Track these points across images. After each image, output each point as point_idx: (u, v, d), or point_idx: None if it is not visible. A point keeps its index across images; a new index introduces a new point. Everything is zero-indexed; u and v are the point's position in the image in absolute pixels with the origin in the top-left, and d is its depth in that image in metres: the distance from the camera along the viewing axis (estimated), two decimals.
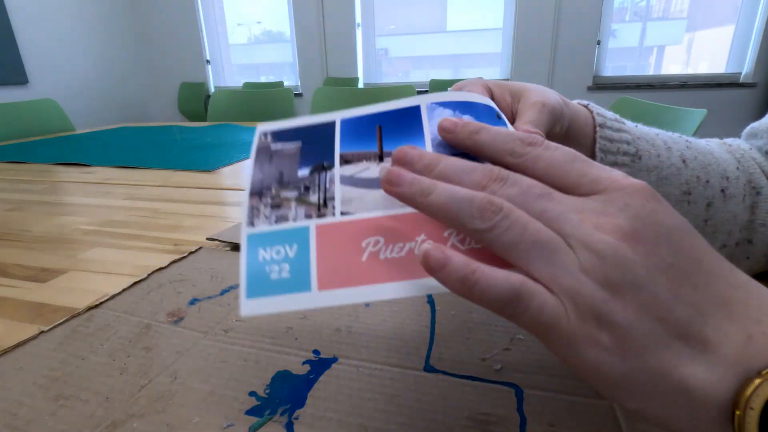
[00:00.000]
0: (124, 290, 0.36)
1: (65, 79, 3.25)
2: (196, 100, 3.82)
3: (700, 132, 0.84)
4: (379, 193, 0.19)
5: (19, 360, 0.28)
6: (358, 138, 0.22)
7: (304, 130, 0.23)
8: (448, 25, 3.39)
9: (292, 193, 0.21)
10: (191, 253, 0.44)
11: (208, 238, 0.46)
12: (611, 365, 0.15)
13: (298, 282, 0.18)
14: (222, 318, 0.32)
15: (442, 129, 0.19)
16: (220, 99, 1.78)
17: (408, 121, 0.21)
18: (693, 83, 2.96)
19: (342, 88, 1.73)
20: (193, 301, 0.34)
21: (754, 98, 2.88)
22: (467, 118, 0.20)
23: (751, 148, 0.37)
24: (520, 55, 3.17)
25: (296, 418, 0.22)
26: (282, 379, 0.25)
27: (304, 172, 0.22)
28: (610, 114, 0.33)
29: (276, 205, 0.21)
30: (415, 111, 0.21)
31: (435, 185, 0.17)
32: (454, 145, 0.19)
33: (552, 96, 0.27)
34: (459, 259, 0.15)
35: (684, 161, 0.33)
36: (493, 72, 3.35)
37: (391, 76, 3.62)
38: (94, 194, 0.69)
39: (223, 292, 0.35)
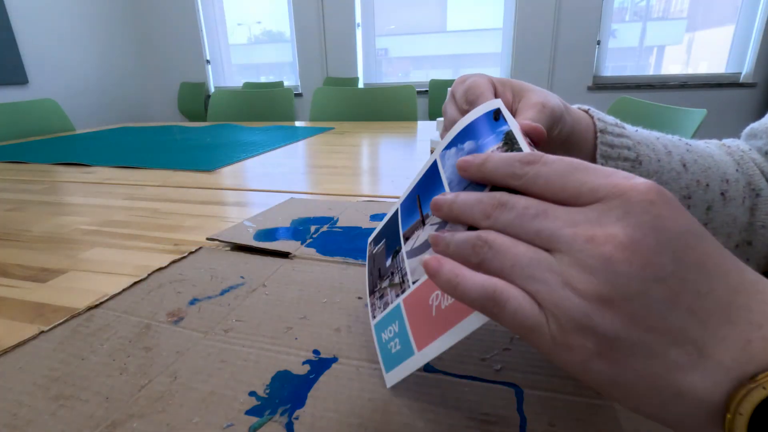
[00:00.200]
0: (124, 290, 0.36)
1: (65, 79, 3.25)
2: (196, 100, 3.82)
3: (700, 132, 0.84)
4: (429, 255, 0.22)
5: (19, 360, 0.28)
6: (409, 214, 0.26)
7: (386, 226, 0.29)
8: (448, 25, 3.39)
9: (386, 282, 0.27)
10: (191, 253, 0.44)
11: (208, 238, 0.46)
12: (599, 370, 0.15)
13: (406, 350, 0.23)
14: (222, 318, 0.32)
15: (459, 169, 0.21)
16: (220, 99, 1.78)
17: (432, 177, 0.25)
18: (693, 83, 2.96)
19: (342, 88, 1.73)
20: (193, 301, 0.34)
21: (754, 98, 2.88)
22: (469, 144, 0.23)
23: (750, 149, 0.37)
24: (520, 55, 3.17)
25: (296, 418, 0.22)
26: (282, 379, 0.25)
27: (388, 261, 0.27)
28: (610, 119, 0.33)
29: (381, 296, 0.27)
30: (434, 166, 0.25)
31: (452, 237, 0.19)
32: (471, 180, 0.21)
33: (553, 98, 0.27)
34: (448, 267, 0.18)
35: (684, 165, 0.33)
36: (493, 72, 3.34)
37: (391, 76, 3.62)
38: (94, 194, 0.69)
39: (223, 292, 0.35)
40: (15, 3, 2.87)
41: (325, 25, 3.44)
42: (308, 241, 0.45)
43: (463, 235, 0.19)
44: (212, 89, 3.91)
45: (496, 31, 3.26)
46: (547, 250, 0.16)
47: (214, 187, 0.71)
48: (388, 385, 0.24)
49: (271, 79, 3.87)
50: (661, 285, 0.14)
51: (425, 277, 0.22)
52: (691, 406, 0.14)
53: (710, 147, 0.36)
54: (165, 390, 0.25)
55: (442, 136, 0.29)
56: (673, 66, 3.09)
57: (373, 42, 3.53)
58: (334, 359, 0.27)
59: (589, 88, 3.14)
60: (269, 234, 0.47)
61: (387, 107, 1.62)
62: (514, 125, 0.21)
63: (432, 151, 0.47)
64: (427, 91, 3.25)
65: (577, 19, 3.01)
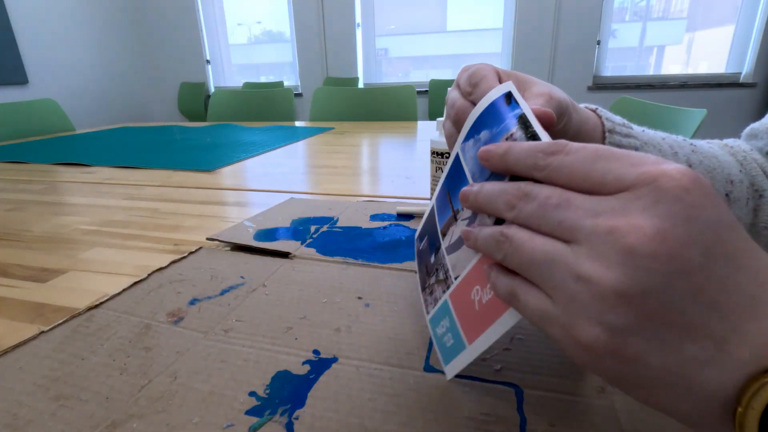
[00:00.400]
0: (124, 290, 0.36)
1: (65, 79, 3.24)
2: (196, 100, 3.82)
3: (700, 132, 0.84)
4: (464, 250, 0.23)
5: (19, 360, 0.28)
6: (443, 210, 0.26)
7: (427, 221, 0.30)
8: (448, 25, 3.39)
9: (433, 278, 0.27)
10: (191, 253, 0.44)
11: (208, 238, 0.46)
12: (610, 364, 0.15)
13: (458, 344, 0.23)
14: (222, 318, 0.32)
15: (481, 159, 0.21)
16: (220, 99, 1.78)
17: (457, 171, 0.25)
18: (693, 83, 2.96)
19: (342, 88, 1.73)
20: (193, 301, 0.34)
21: (754, 98, 2.88)
22: (485, 133, 0.22)
23: (752, 150, 0.37)
24: (520, 55, 3.17)
25: (296, 418, 0.22)
26: (282, 379, 0.25)
27: (432, 258, 0.28)
28: (618, 119, 0.32)
29: (431, 292, 0.28)
30: (457, 160, 0.25)
31: (479, 233, 0.20)
32: (493, 171, 0.21)
33: (558, 91, 0.27)
34: (494, 271, 0.19)
35: (690, 166, 0.33)
36: None
37: (391, 76, 3.62)
38: (94, 194, 0.69)
39: (223, 292, 0.35)
40: (15, 3, 2.87)
41: (325, 25, 3.44)
42: (308, 241, 0.45)
43: (488, 231, 0.19)
44: (212, 89, 3.91)
45: (496, 31, 3.26)
46: (568, 240, 0.16)
47: (214, 187, 0.71)
48: (449, 377, 0.25)
49: (271, 79, 3.87)
50: (685, 279, 0.14)
51: (465, 272, 0.23)
52: (704, 400, 0.14)
53: (713, 147, 0.36)
54: (165, 390, 0.25)
55: (444, 126, 0.28)
56: (673, 66, 3.09)
57: (373, 42, 3.52)
58: (334, 359, 0.27)
59: (589, 88, 3.14)
60: (269, 234, 0.47)
61: (387, 107, 1.62)
62: (526, 108, 0.21)
63: (432, 152, 0.47)
64: (427, 91, 3.25)
65: (577, 19, 3.01)
